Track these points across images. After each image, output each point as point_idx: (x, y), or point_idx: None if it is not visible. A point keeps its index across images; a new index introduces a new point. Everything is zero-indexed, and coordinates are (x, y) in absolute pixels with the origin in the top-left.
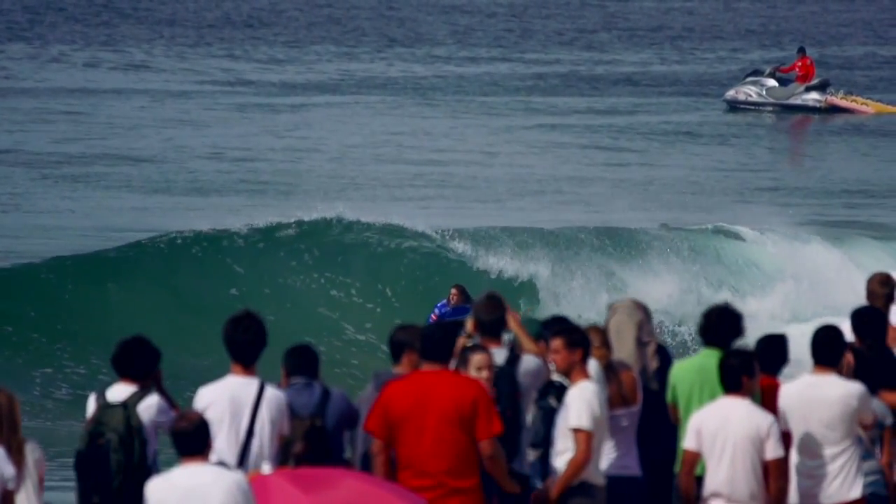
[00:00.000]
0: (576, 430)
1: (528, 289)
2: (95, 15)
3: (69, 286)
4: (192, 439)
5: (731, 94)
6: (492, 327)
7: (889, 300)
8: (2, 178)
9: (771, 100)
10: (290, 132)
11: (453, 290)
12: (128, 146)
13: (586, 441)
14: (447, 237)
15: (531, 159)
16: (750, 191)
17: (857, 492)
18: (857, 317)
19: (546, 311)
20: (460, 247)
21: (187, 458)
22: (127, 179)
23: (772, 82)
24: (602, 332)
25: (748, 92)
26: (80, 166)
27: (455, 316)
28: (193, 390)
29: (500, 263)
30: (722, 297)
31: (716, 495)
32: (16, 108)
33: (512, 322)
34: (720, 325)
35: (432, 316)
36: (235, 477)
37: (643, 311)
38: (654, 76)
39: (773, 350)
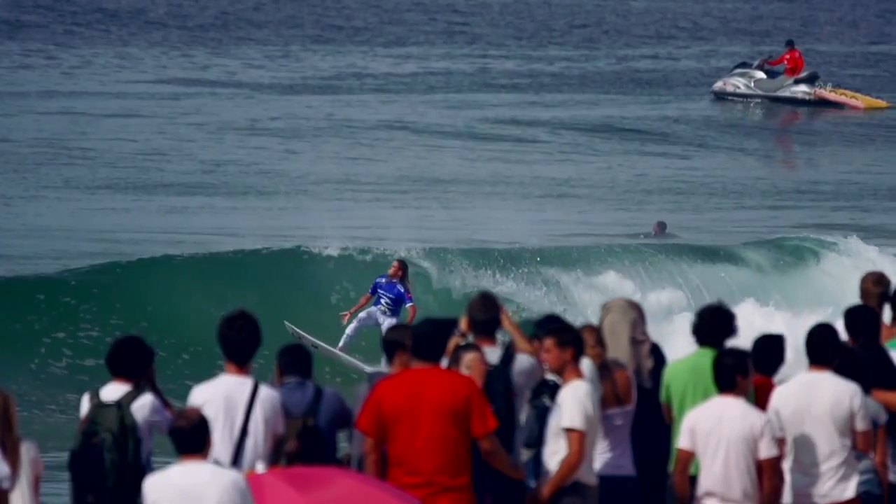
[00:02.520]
0: (568, 430)
1: (522, 293)
2: (84, 14)
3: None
4: (191, 437)
5: (718, 85)
6: (485, 326)
7: (882, 299)
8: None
9: (759, 92)
10: (273, 125)
11: (395, 263)
12: (97, 144)
13: (579, 441)
14: (442, 247)
15: (533, 160)
16: (739, 191)
17: (851, 491)
18: (851, 316)
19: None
20: (451, 253)
21: (186, 456)
22: (103, 178)
23: (760, 74)
24: (596, 331)
25: (736, 83)
26: (64, 167)
27: (387, 290)
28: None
29: (495, 269)
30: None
31: (710, 495)
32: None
33: (506, 321)
34: (714, 324)
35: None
36: (233, 476)
37: (637, 311)
38: (640, 72)
39: (770, 350)
